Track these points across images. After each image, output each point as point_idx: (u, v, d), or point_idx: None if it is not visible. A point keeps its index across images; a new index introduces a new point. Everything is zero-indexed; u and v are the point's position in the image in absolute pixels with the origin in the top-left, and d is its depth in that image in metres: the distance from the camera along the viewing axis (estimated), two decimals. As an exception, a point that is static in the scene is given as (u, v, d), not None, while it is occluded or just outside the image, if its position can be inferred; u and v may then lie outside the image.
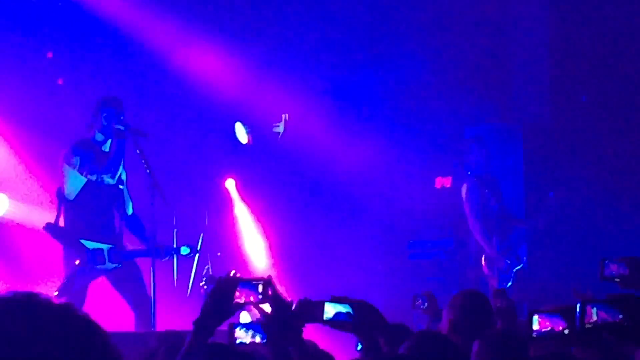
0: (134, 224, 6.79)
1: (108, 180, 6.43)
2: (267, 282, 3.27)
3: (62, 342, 1.41)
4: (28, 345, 1.37)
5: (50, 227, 6.56)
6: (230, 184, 8.49)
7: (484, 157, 7.64)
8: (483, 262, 7.39)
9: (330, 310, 3.35)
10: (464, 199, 7.55)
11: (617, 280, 3.59)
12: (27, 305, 1.43)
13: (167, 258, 6.82)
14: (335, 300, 3.32)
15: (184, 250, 6.87)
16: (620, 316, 2.61)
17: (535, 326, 2.97)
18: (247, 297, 3.26)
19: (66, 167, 6.51)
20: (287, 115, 8.71)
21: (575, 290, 4.03)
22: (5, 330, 1.38)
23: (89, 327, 1.45)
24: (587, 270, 5.24)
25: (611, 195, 7.70)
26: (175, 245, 6.97)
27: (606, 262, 3.62)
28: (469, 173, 7.62)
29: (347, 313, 3.29)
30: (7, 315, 1.40)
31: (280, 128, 8.61)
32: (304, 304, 3.37)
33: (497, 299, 4.45)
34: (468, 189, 7.54)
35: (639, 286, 3.54)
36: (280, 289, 3.54)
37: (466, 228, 7.68)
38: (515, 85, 8.40)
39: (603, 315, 2.62)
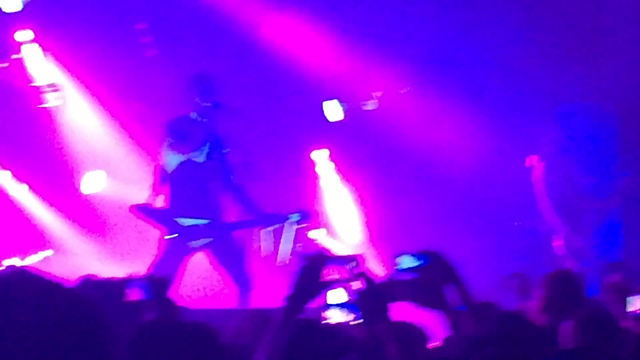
0: (237, 197, 6.92)
1: (197, 157, 6.59)
2: (357, 260, 3.29)
3: (53, 317, 1.43)
4: (18, 319, 1.41)
5: (138, 208, 6.79)
6: (321, 156, 8.66)
7: (568, 136, 7.66)
8: (557, 243, 7.40)
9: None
10: (539, 178, 7.57)
11: None
12: (19, 280, 1.46)
13: (275, 226, 6.91)
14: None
15: (294, 217, 6.97)
16: None
17: (631, 307, 2.99)
18: (336, 274, 3.30)
19: (161, 145, 6.72)
20: (378, 93, 8.79)
21: None
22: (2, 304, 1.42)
23: (78, 301, 1.47)
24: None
25: None
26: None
27: None
28: (549, 151, 7.68)
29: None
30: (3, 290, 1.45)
31: (371, 106, 8.72)
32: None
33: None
34: (545, 168, 7.59)
35: None
36: (372, 265, 3.68)
37: (546, 207, 7.78)
38: (612, 65, 8.39)
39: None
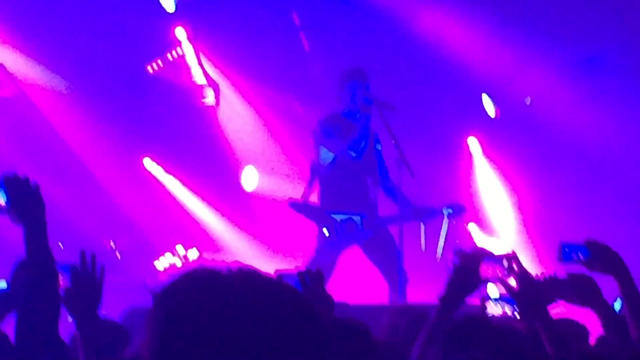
0: (392, 193, 7.21)
1: (352, 154, 6.84)
2: (513, 257, 3.46)
3: (278, 317, 1.44)
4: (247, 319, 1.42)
5: (294, 204, 7.16)
6: (477, 150, 8.94)
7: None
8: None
9: None
10: None
11: None
12: (247, 280, 1.48)
13: (428, 220, 7.19)
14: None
15: (448, 211, 7.21)
16: None
17: None
18: (492, 271, 3.46)
19: (315, 141, 7.02)
20: (529, 99, 9.15)
21: None
22: (231, 304, 1.44)
23: (299, 302, 1.49)
24: None
25: None
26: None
27: None
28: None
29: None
30: (234, 288, 1.46)
31: (527, 101, 9.06)
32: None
33: None
34: None
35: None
36: (527, 262, 3.67)
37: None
38: None
39: None
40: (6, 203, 3.30)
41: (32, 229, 3.33)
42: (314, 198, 7.27)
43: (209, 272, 1.51)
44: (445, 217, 7.19)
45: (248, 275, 1.49)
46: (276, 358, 1.43)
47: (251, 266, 1.55)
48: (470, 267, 3.56)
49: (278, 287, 1.50)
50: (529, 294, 3.48)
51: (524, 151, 9.09)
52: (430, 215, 7.16)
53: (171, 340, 1.48)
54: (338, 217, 7.00)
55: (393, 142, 6.95)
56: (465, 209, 7.52)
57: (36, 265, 3.35)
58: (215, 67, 8.99)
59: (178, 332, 1.47)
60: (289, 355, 1.44)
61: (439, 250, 7.68)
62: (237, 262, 1.62)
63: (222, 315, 1.45)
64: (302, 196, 7.28)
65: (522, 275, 3.48)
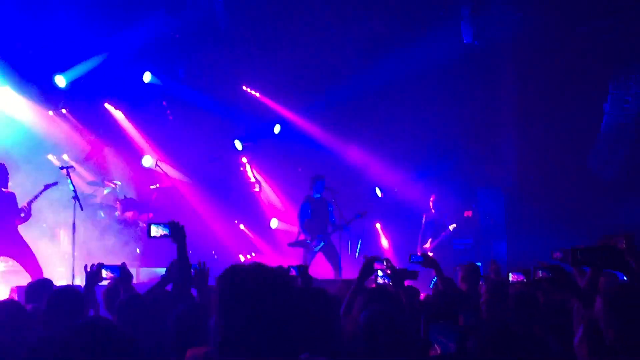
0: (335, 224, 11.27)
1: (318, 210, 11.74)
2: (387, 259, 5.51)
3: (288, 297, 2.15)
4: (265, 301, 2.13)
5: (291, 243, 11.66)
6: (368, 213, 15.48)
7: None
8: None
9: None
10: None
11: None
12: (257, 270, 2.21)
13: (349, 228, 11.36)
14: None
15: (357, 216, 11.62)
16: None
17: None
18: (378, 265, 5.45)
19: (302, 208, 11.70)
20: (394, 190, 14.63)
21: None
22: (254, 289, 2.11)
23: (286, 281, 2.19)
24: None
25: None
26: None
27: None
28: None
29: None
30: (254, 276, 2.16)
31: None
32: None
33: None
34: None
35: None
36: (393, 261, 5.56)
37: None
38: None
39: None
40: (169, 233, 5.00)
41: (180, 246, 4.89)
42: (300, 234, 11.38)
43: (253, 264, 2.23)
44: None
45: (270, 268, 2.22)
46: (280, 303, 2.11)
47: (266, 263, 2.26)
48: (369, 262, 5.30)
49: (283, 272, 2.21)
50: (395, 275, 5.36)
51: (392, 214, 14.39)
52: (349, 225, 11.32)
53: (230, 299, 2.15)
54: (313, 240, 11.21)
55: (336, 205, 11.43)
56: (365, 214, 11.58)
57: (182, 263, 4.91)
58: (259, 173, 15.20)
59: (234, 293, 2.17)
60: (285, 304, 2.13)
61: (357, 253, 13.65)
62: (261, 261, 2.37)
63: (256, 282, 2.18)
64: (296, 236, 11.61)
65: (392, 267, 5.40)
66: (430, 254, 10.07)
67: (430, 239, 13.08)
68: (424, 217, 13.24)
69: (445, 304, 5.08)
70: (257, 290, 2.21)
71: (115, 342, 1.96)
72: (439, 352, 3.13)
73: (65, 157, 13.03)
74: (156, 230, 5.03)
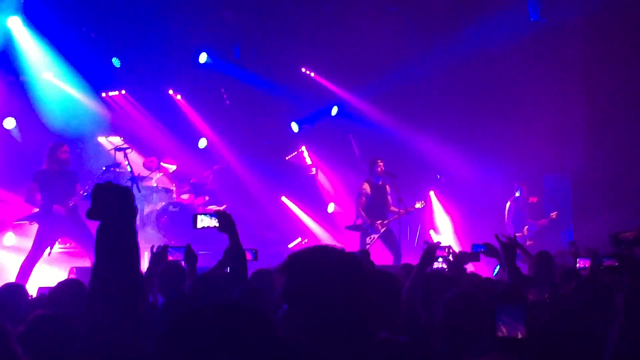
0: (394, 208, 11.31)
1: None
2: (449, 247, 5.76)
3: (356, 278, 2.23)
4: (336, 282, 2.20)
5: (348, 227, 11.54)
6: (432, 194, 14.87)
7: None
8: None
9: None
10: None
11: None
12: (324, 252, 2.27)
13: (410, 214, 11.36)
14: None
15: (420, 204, 11.56)
16: None
17: None
18: (440, 252, 5.62)
19: (360, 191, 11.41)
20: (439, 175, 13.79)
21: None
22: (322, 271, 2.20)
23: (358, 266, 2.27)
24: None
25: None
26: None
27: None
28: None
29: None
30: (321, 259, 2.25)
31: None
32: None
33: None
34: None
35: None
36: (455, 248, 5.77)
37: None
38: None
39: None
40: (218, 224, 5.02)
41: (232, 234, 4.98)
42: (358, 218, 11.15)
43: (319, 246, 2.30)
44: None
45: (336, 249, 2.27)
46: (348, 281, 2.21)
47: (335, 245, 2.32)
48: (431, 249, 5.20)
49: (349, 254, 2.30)
50: (455, 261, 5.60)
51: (454, 196, 13.93)
52: (408, 212, 11.09)
53: (297, 279, 2.22)
54: (371, 226, 11.09)
55: (396, 191, 11.02)
56: (424, 204, 11.61)
57: (234, 250, 5.03)
58: (315, 157, 14.93)
59: (303, 275, 2.22)
60: (354, 281, 2.22)
61: (416, 240, 13.36)
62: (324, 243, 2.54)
63: (323, 262, 2.23)
64: (354, 221, 11.33)
65: (454, 254, 5.67)
66: (530, 242, 10.78)
67: (526, 227, 12.96)
68: (511, 203, 13.02)
69: (511, 287, 5.03)
70: (330, 273, 2.21)
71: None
72: (505, 333, 3.04)
73: (117, 139, 12.89)
74: (202, 221, 4.98)
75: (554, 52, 13.71)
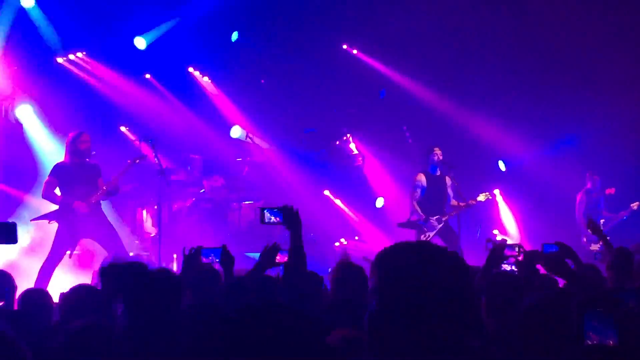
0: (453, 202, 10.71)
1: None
2: (520, 245, 5.35)
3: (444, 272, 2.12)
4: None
5: (400, 224, 10.80)
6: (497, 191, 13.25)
7: None
8: None
9: None
10: None
11: None
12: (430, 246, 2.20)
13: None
14: None
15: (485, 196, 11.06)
16: None
17: None
18: (508, 252, 5.29)
19: (415, 185, 10.69)
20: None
21: None
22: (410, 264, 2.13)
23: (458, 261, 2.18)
24: None
25: None
26: None
27: None
28: None
29: None
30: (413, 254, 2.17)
31: None
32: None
33: None
34: None
35: None
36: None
37: None
38: None
39: None
40: (283, 220, 4.96)
41: (295, 231, 4.94)
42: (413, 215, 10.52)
43: (405, 243, 2.20)
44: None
45: (436, 246, 2.20)
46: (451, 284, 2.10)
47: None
48: (499, 249, 5.12)
49: (452, 252, 2.21)
50: (527, 262, 4.97)
51: (521, 193, 12.86)
52: (469, 206, 10.51)
53: (389, 278, 2.14)
54: (427, 222, 10.40)
55: (455, 183, 10.54)
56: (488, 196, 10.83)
57: (297, 252, 4.97)
58: (362, 146, 14.01)
59: (394, 274, 2.14)
60: (456, 280, 2.12)
61: (478, 236, 12.30)
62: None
63: (418, 262, 2.12)
64: (408, 217, 10.62)
65: (525, 253, 5.07)
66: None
67: (602, 220, 12.04)
68: (582, 195, 12.24)
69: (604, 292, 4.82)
70: (430, 271, 2.09)
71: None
72: (595, 342, 2.77)
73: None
74: (269, 217, 4.85)
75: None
